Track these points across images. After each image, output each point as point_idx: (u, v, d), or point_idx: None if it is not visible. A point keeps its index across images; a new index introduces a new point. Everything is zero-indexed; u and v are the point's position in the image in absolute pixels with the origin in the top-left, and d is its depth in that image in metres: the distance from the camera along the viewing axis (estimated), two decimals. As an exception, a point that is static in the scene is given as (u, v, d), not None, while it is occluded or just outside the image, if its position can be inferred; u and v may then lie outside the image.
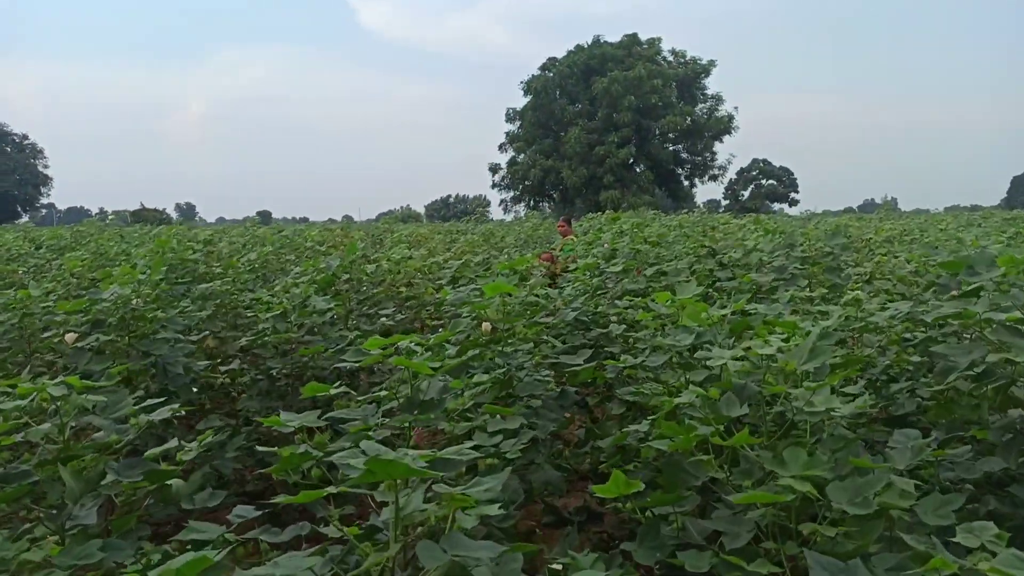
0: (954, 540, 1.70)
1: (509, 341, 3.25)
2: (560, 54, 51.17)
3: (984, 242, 7.23)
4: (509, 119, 51.82)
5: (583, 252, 8.43)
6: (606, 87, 45.60)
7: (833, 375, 2.59)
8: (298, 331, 4.50)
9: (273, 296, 4.67)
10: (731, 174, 59.98)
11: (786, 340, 2.53)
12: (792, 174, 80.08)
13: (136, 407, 2.61)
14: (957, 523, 2.12)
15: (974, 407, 2.48)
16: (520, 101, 51.98)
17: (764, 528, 2.08)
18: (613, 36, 50.94)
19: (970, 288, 2.48)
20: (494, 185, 52.18)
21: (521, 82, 50.73)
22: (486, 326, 3.24)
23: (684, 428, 2.35)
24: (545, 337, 3.47)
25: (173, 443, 2.55)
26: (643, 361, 3.40)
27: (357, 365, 2.55)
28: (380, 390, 2.69)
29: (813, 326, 2.97)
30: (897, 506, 2.01)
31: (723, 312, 2.99)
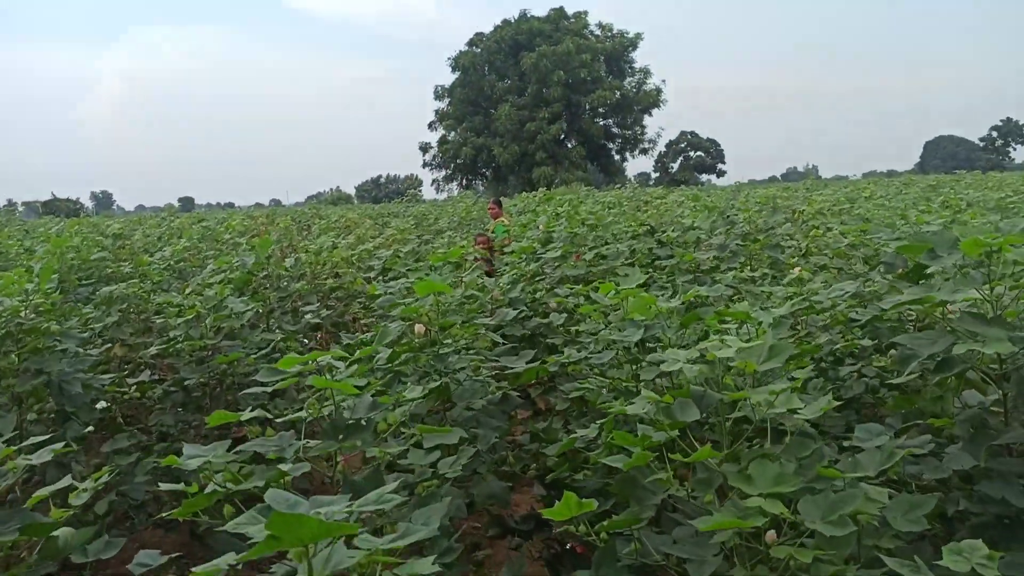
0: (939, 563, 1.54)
1: (445, 343, 3.00)
2: (488, 29, 50.57)
3: (914, 212, 7.32)
4: (438, 96, 51.03)
5: (518, 234, 8.21)
6: (535, 62, 45.27)
7: (787, 365, 2.43)
8: (215, 336, 4.13)
9: (186, 298, 4.28)
10: (660, 147, 60.65)
11: (741, 336, 2.35)
12: (719, 145, 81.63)
13: (15, 446, 2.25)
14: (928, 527, 2.00)
15: (936, 399, 2.36)
16: (448, 78, 51.23)
17: (731, 550, 1.90)
18: (540, 10, 50.49)
19: (930, 273, 2.34)
20: (425, 164, 51.47)
21: (449, 58, 49.99)
22: (419, 328, 2.98)
23: (639, 439, 2.15)
24: (484, 333, 3.23)
25: (64, 482, 2.22)
26: (588, 357, 3.20)
27: (270, 388, 2.26)
28: (301, 408, 2.41)
29: (765, 314, 2.82)
30: (867, 513, 1.86)
31: (671, 305, 2.80)
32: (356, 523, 1.25)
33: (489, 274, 7.70)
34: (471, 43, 50.38)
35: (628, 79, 49.42)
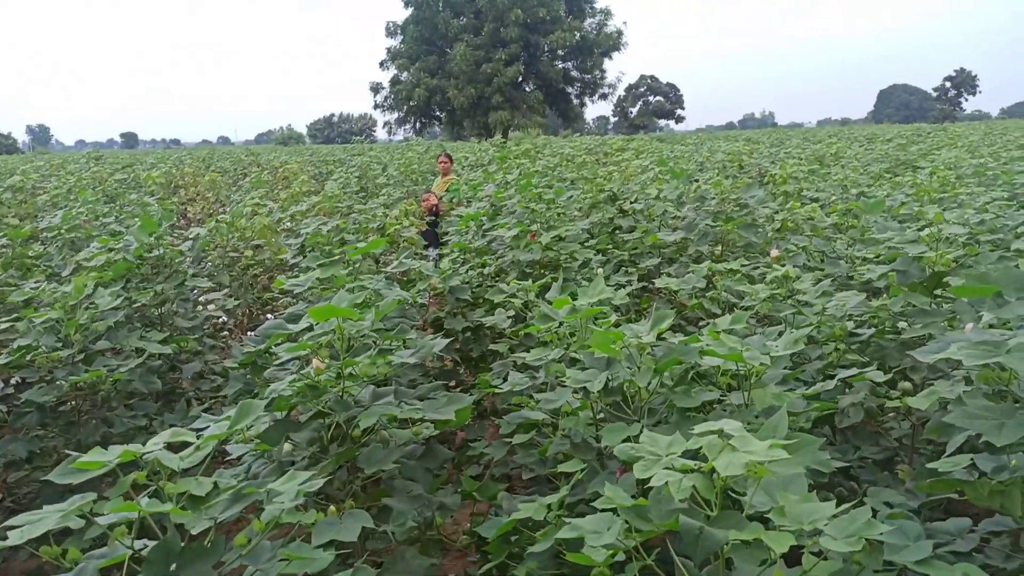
0: None
1: (353, 378, 2.30)
2: (442, -38, 48.15)
3: (893, 185, 6.77)
4: (390, 33, 48.70)
5: (470, 194, 7.44)
6: (492, -1, 43.43)
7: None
8: (82, 339, 3.36)
9: (43, 291, 3.49)
10: (620, 92, 59.56)
11: (748, 431, 1.72)
12: (678, 90, 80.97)
13: None
14: None
15: (996, 493, 1.77)
16: (401, 13, 48.90)
17: None
18: (497, -56, 48.14)
19: (991, 319, 1.72)
20: (377, 106, 49.46)
21: (401, -9, 47.59)
22: (317, 364, 2.28)
23: (601, 561, 1.53)
24: (397, 380, 2.55)
25: None
26: (534, 395, 2.54)
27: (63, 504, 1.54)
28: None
29: (759, 353, 2.19)
30: None
31: (643, 340, 2.15)
32: None
33: (428, 238, 6.95)
34: (426, -23, 48.00)
35: (588, 20, 47.84)
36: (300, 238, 4.68)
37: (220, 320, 4.74)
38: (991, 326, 1.76)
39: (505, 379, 2.79)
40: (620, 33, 47.23)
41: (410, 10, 46.57)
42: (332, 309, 2.23)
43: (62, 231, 5.63)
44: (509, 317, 3.60)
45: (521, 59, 44.37)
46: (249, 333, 5.20)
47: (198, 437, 1.69)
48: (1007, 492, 1.76)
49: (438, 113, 47.02)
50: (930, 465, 1.81)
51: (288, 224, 6.77)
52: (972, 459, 1.73)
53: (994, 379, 1.78)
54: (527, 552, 2.01)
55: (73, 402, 3.43)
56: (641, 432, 1.80)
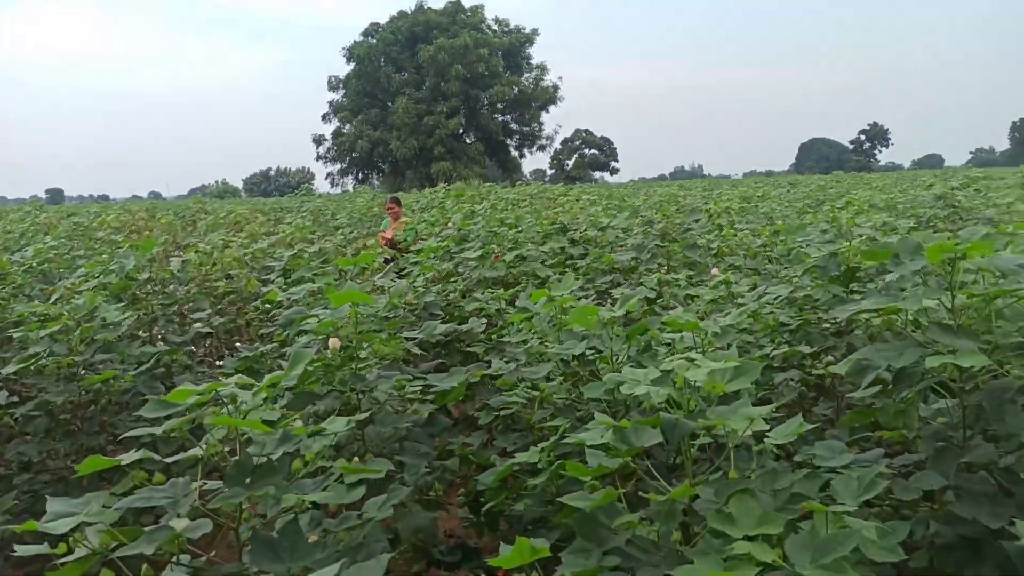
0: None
1: (363, 360, 2.66)
2: (384, 19, 49.42)
3: (814, 212, 7.50)
4: (332, 87, 49.42)
5: (426, 231, 7.85)
6: (432, 55, 44.61)
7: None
8: (86, 349, 3.60)
9: (50, 307, 3.72)
10: (556, 144, 61.34)
11: (702, 351, 2.16)
12: (612, 144, 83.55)
13: None
14: (907, 556, 1.86)
15: (899, 413, 2.24)
16: (343, 68, 49.70)
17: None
18: (436, 2, 49.81)
19: (894, 279, 2.22)
20: (319, 157, 49.79)
21: (343, 48, 48.50)
22: (334, 343, 2.63)
23: (595, 469, 1.92)
24: (408, 348, 2.91)
25: None
26: (522, 367, 2.94)
27: (158, 428, 1.86)
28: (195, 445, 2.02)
29: (712, 324, 2.65)
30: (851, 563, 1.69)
31: (615, 314, 2.58)
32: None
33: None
34: (366, 33, 49.08)
35: (526, 75, 49.56)
36: (280, 261, 4.99)
37: (207, 341, 4.97)
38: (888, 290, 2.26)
39: (489, 364, 3.17)
40: (556, 88, 49.11)
41: (352, 65, 47.48)
42: (351, 294, 2.59)
43: (34, 264, 5.79)
44: (483, 323, 3.99)
45: (462, 112, 45.56)
46: (218, 362, 5.43)
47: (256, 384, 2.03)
48: (907, 411, 2.24)
49: (380, 164, 47.60)
50: (848, 396, 2.27)
51: (248, 261, 7.04)
52: (880, 387, 2.19)
53: (894, 324, 2.27)
54: (524, 487, 2.37)
55: (74, 412, 3.64)
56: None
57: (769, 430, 1.93)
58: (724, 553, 1.60)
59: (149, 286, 4.38)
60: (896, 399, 2.22)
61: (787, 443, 2.02)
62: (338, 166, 48.89)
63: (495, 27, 49.72)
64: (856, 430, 2.57)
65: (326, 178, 50.17)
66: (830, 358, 3.15)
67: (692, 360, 1.88)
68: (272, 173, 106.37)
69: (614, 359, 2.61)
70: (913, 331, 2.20)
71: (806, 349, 3.00)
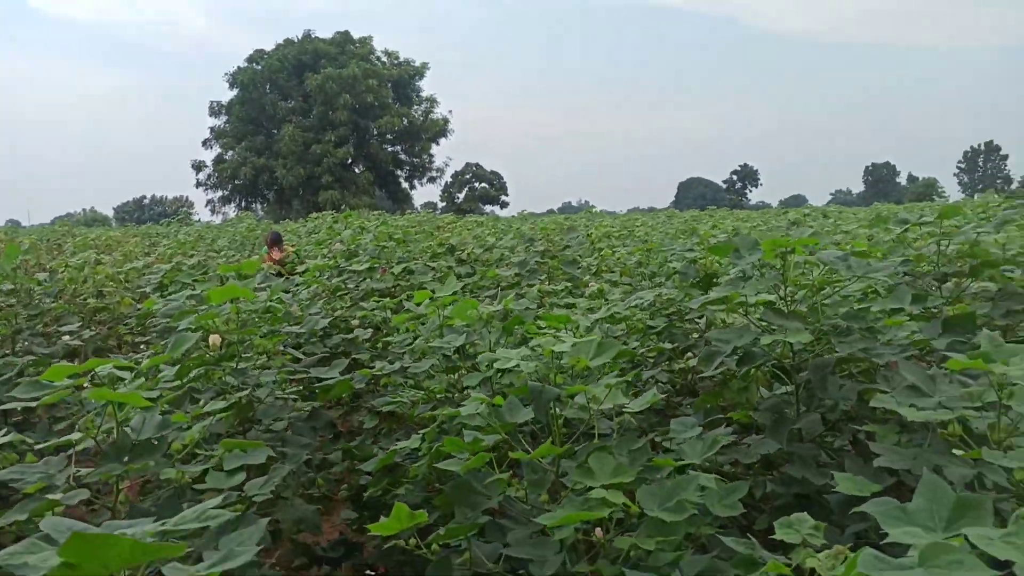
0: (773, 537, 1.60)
1: (244, 356, 2.69)
2: (268, 47, 48.55)
3: (686, 234, 8.03)
4: (214, 113, 47.92)
5: (314, 252, 7.81)
6: (320, 84, 44.18)
7: (613, 366, 2.47)
8: (-59, 360, 3.40)
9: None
10: (447, 177, 61.77)
11: (572, 334, 2.35)
12: (502, 178, 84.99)
13: None
14: (744, 511, 2.10)
15: (741, 390, 2.51)
16: (225, 94, 48.32)
17: (571, 547, 1.85)
18: (324, 32, 49.45)
19: (736, 272, 2.50)
20: (199, 184, 47.95)
21: (226, 74, 47.22)
22: (214, 339, 2.65)
23: (471, 443, 2.05)
24: (286, 349, 2.95)
25: None
26: (406, 367, 3.05)
27: (33, 403, 1.85)
28: (66, 431, 2.01)
29: (583, 318, 2.87)
30: (693, 501, 1.91)
31: (493, 309, 2.75)
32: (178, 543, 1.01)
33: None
34: (251, 59, 48.04)
35: (415, 107, 49.89)
36: (158, 275, 4.87)
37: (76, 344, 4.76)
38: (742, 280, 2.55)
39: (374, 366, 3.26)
40: (446, 120, 49.70)
41: (236, 91, 46.27)
42: (232, 289, 2.62)
43: None
44: (368, 332, 4.06)
45: (351, 141, 45.24)
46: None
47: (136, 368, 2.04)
48: (748, 388, 2.51)
49: (266, 192, 46.39)
50: (699, 376, 2.53)
51: (122, 279, 6.77)
52: (723, 361, 2.46)
53: (738, 311, 2.55)
54: (408, 471, 2.47)
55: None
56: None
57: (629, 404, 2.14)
58: (582, 502, 1.77)
59: (14, 298, 4.17)
60: (739, 377, 2.50)
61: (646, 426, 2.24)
62: (219, 193, 47.27)
63: (384, 59, 49.91)
64: (710, 412, 2.83)
65: (206, 205, 48.34)
66: (690, 354, 3.45)
67: (558, 337, 2.07)
68: (146, 201, 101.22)
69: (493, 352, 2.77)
70: (752, 319, 2.49)
71: (668, 345, 3.27)
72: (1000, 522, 1.34)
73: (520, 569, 1.96)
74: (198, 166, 47.93)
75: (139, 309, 5.31)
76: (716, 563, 1.78)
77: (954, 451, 1.90)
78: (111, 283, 6.08)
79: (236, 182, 45.60)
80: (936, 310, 2.73)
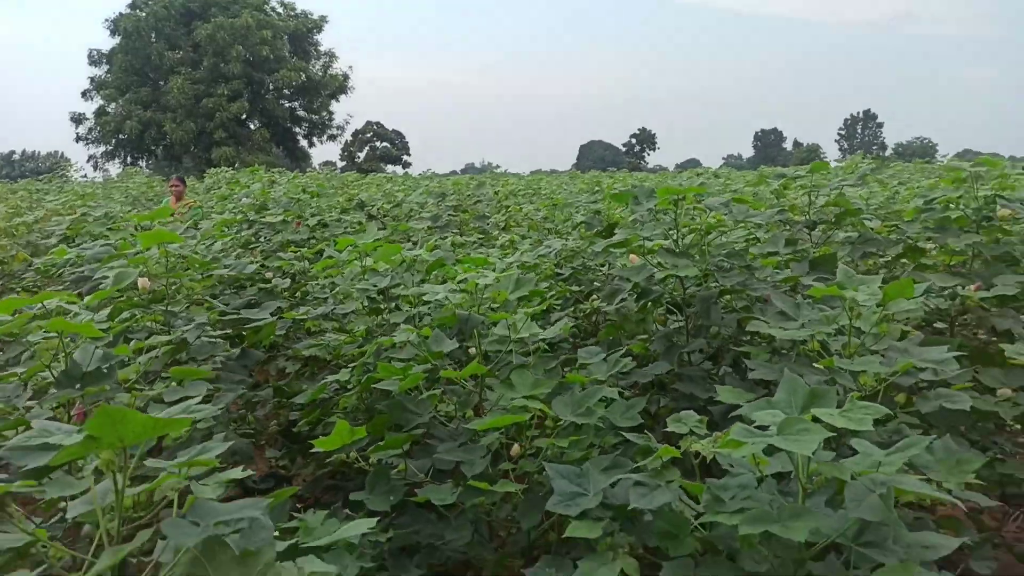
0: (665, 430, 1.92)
1: (176, 298, 2.79)
2: (150, -8, 45.42)
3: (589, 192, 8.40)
4: (94, 62, 44.67)
5: (219, 208, 7.68)
6: (211, 34, 41.90)
7: (527, 304, 2.73)
8: None
9: None
10: (347, 135, 60.32)
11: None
12: (404, 138, 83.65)
13: None
14: (643, 422, 2.43)
15: (640, 321, 2.84)
16: (107, 42, 45.10)
17: (495, 452, 2.12)
18: (214, -20, 46.67)
19: (634, 217, 2.81)
20: (79, 138, 44.80)
21: (107, 20, 44.01)
22: (143, 282, 2.73)
23: (403, 369, 2.27)
24: (210, 298, 3.06)
25: None
26: (331, 311, 3.21)
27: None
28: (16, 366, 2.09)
29: (500, 261, 3.12)
30: (600, 413, 2.21)
31: (417, 253, 2.95)
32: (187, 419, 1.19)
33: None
34: (133, 6, 44.90)
35: (314, 61, 48.18)
36: (61, 226, 4.76)
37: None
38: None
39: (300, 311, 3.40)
40: (346, 76, 48.24)
41: (118, 39, 43.23)
42: (161, 233, 2.71)
43: None
44: (287, 281, 4.17)
45: (245, 96, 43.27)
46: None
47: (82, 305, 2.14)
48: (645, 319, 2.84)
49: (153, 147, 43.89)
50: (604, 313, 2.83)
51: (15, 232, 6.50)
52: (623, 300, 2.77)
53: (639, 254, 2.87)
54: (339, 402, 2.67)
55: None
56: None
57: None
58: (507, 410, 2.03)
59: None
60: (637, 310, 2.82)
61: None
62: (102, 148, 44.36)
63: (280, 10, 47.78)
64: (612, 344, 3.16)
65: (88, 161, 45.24)
66: (595, 297, 3.77)
67: (481, 272, 2.31)
68: (16, 157, 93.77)
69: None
70: (651, 260, 2.81)
71: (575, 288, 3.58)
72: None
73: (448, 480, 2.22)
74: (77, 119, 44.75)
75: (37, 263, 5.16)
76: (619, 459, 2.09)
77: (814, 364, 2.28)
78: (4, 238, 5.86)
79: (120, 136, 42.91)
80: (806, 252, 3.13)
